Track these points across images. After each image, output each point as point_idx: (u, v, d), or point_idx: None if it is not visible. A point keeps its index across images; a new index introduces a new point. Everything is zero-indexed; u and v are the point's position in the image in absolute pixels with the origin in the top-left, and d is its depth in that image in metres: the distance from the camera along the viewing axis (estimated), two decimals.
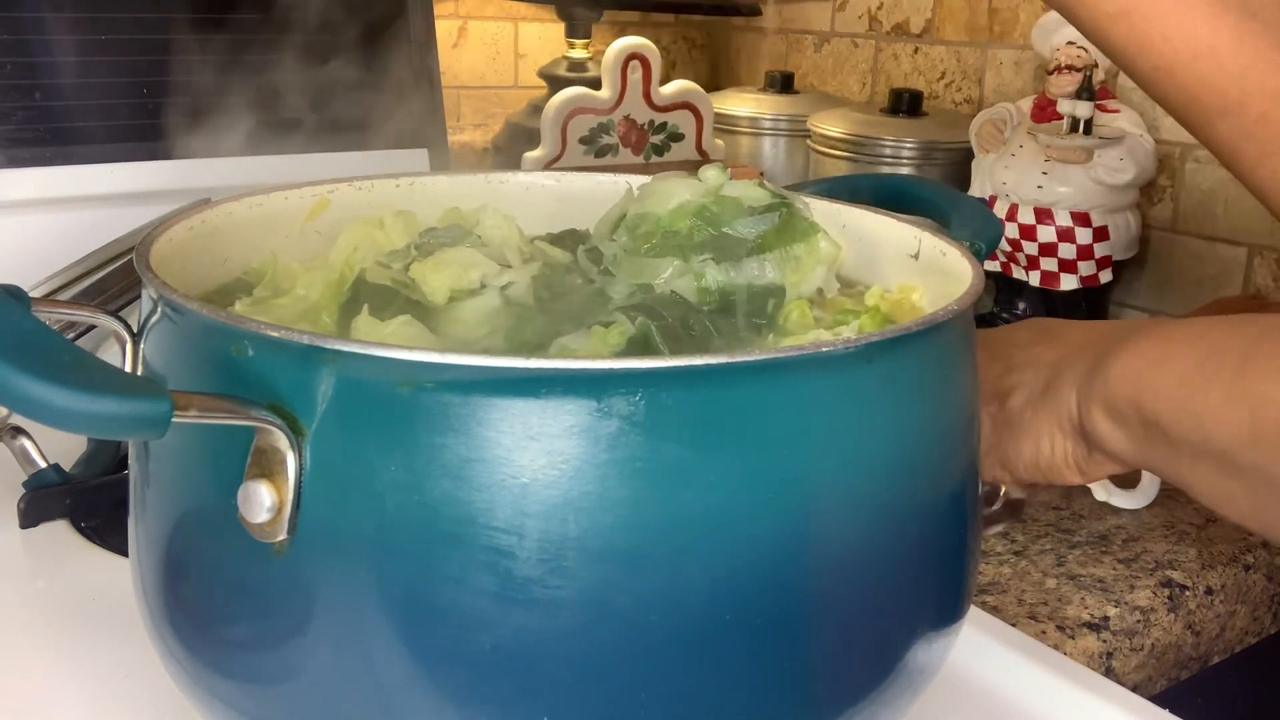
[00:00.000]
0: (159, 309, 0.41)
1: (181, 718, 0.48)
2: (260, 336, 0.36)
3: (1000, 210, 1.08)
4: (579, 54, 1.30)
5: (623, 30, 1.47)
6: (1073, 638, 0.63)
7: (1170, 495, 0.80)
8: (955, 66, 1.32)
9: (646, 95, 1.22)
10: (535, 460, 0.35)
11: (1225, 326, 0.46)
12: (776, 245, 0.50)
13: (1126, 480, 0.80)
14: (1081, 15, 0.51)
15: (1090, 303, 1.10)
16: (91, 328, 0.71)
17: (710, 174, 0.52)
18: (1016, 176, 1.07)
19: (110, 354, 0.43)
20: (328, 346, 0.36)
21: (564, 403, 0.35)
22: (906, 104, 1.23)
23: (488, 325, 0.47)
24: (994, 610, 0.64)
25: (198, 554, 0.41)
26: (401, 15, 1.04)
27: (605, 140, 1.21)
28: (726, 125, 1.36)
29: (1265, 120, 0.49)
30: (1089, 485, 0.78)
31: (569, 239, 0.56)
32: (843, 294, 0.53)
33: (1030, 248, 1.08)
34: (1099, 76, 1.07)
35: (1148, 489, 0.79)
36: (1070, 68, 1.05)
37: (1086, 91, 1.04)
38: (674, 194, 0.51)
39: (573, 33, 1.31)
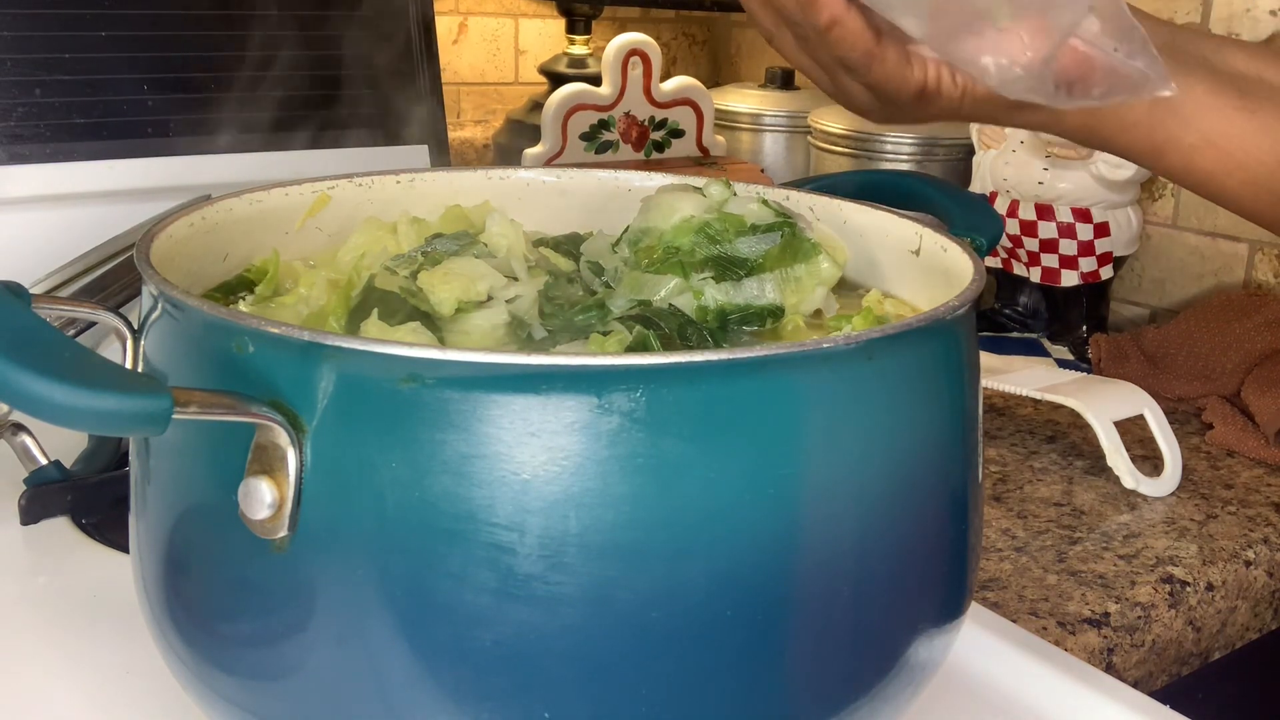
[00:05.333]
0: (159, 306, 0.41)
1: (182, 714, 0.48)
2: (261, 333, 0.36)
3: (1001, 206, 1.08)
4: (579, 50, 1.30)
5: (623, 26, 1.47)
6: (1074, 634, 0.63)
7: (1173, 492, 0.80)
8: None
9: (647, 91, 1.22)
10: (536, 457, 0.35)
11: None
12: (777, 265, 0.50)
13: (1151, 469, 0.81)
14: (1168, 155, 0.56)
15: (1091, 299, 1.10)
16: (92, 324, 0.71)
17: (714, 189, 0.52)
18: (1017, 173, 1.07)
19: (111, 351, 0.43)
20: (328, 343, 0.36)
21: (565, 399, 0.35)
22: None
23: (494, 339, 0.47)
24: (995, 606, 0.64)
25: (198, 550, 0.41)
26: (402, 11, 1.04)
27: (606, 136, 1.21)
28: (727, 121, 1.36)
29: None
30: (1118, 473, 0.79)
31: (571, 244, 0.56)
32: (842, 299, 0.53)
33: (1031, 244, 1.08)
34: None
35: (1171, 476, 0.80)
36: None
37: None
38: (677, 209, 0.51)
39: (573, 29, 1.31)
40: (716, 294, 0.49)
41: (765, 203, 0.52)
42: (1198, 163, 0.56)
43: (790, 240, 0.50)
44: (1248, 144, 0.55)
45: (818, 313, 0.51)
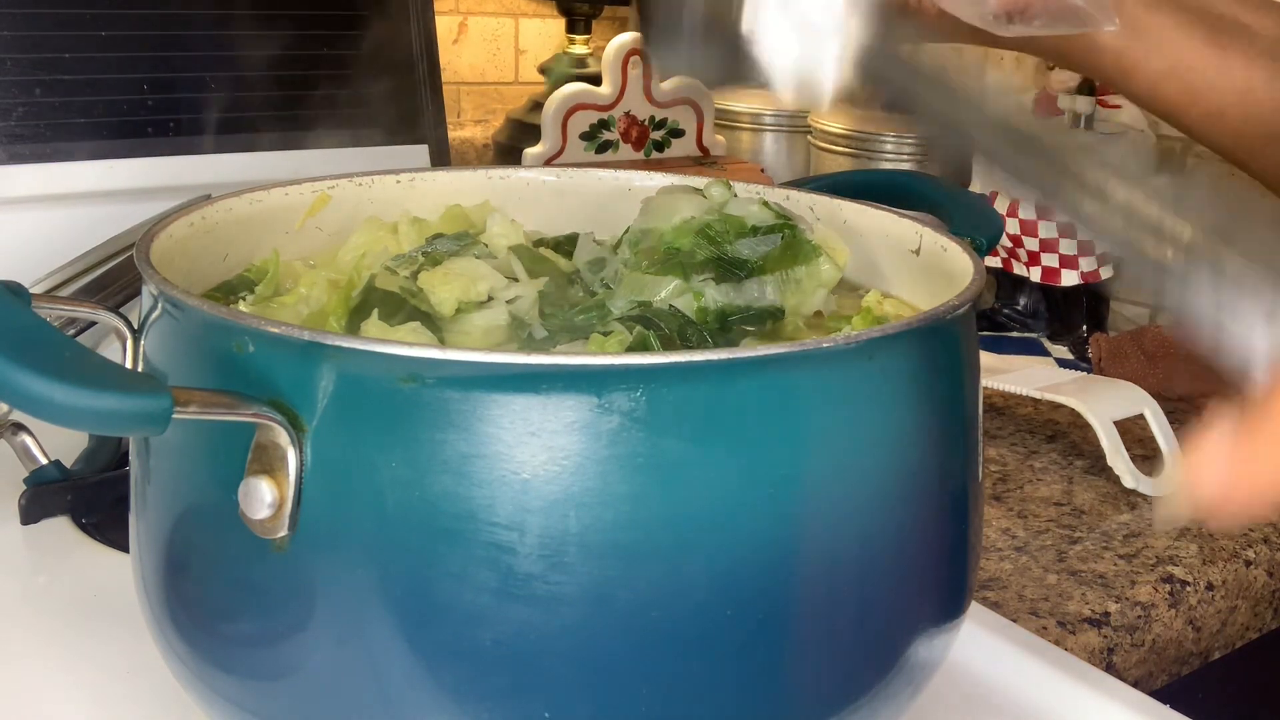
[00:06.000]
0: (159, 305, 0.41)
1: (183, 713, 0.48)
2: (261, 333, 0.36)
3: (1001, 206, 1.08)
4: (579, 50, 1.30)
5: (623, 26, 1.47)
6: (1074, 633, 0.63)
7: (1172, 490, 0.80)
8: (956, 62, 1.31)
9: (647, 91, 1.22)
10: (536, 456, 0.35)
11: None
12: (778, 268, 0.50)
13: (1151, 468, 0.81)
14: (1135, 79, 0.58)
15: (1091, 298, 1.10)
16: (92, 324, 0.71)
17: (715, 191, 0.52)
18: None
19: (111, 350, 0.43)
20: (328, 343, 0.36)
21: (565, 399, 0.35)
22: None
23: (494, 339, 0.47)
24: (995, 606, 0.64)
25: (199, 550, 0.41)
26: (402, 11, 1.04)
27: (606, 136, 1.21)
28: (727, 121, 1.36)
29: None
30: (1118, 473, 0.78)
31: (571, 245, 0.56)
32: (842, 300, 0.53)
33: (1031, 244, 1.08)
34: None
35: (1171, 476, 0.80)
36: None
37: (1087, 87, 1.04)
38: (678, 210, 0.51)
39: (573, 28, 1.31)
40: (717, 295, 0.49)
41: (766, 204, 0.52)
42: (1162, 90, 0.58)
43: (791, 242, 0.50)
44: (1211, 77, 0.57)
45: (818, 314, 0.51)
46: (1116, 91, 0.61)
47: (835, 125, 1.22)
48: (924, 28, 0.59)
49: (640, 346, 0.44)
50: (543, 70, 1.32)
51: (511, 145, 1.25)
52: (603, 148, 1.21)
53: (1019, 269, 1.10)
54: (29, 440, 0.67)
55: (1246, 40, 0.57)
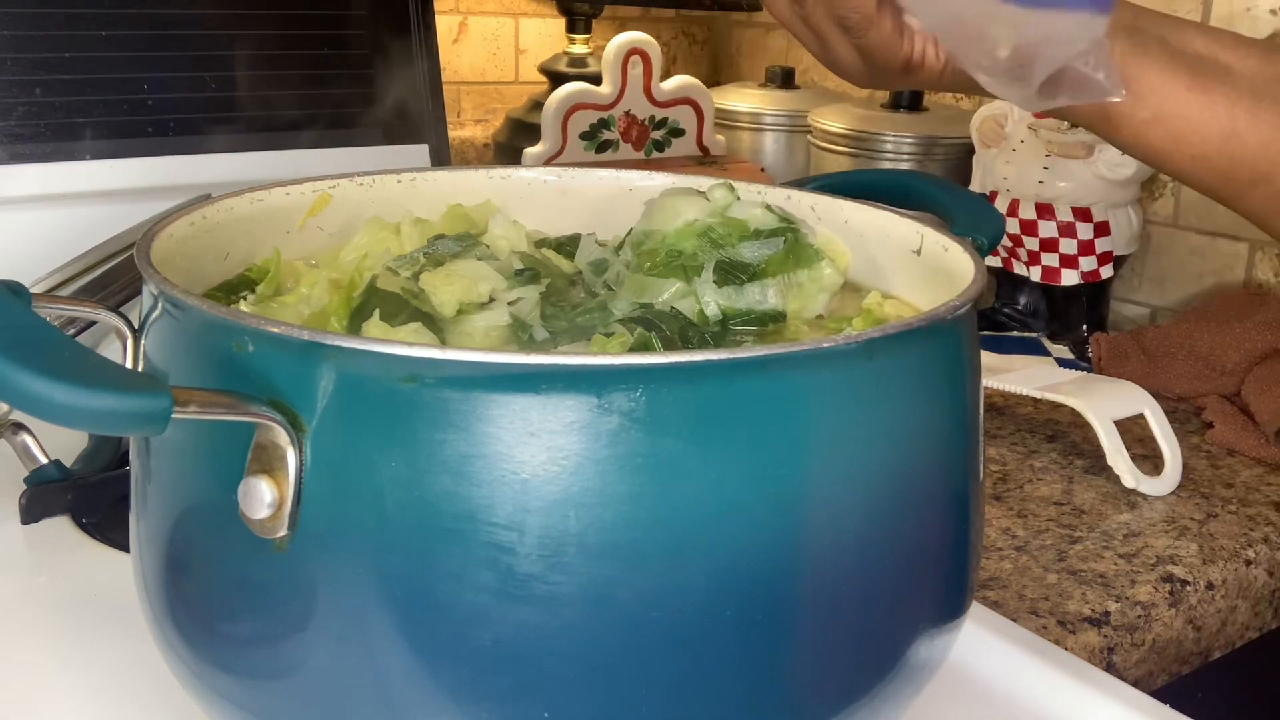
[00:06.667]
0: (160, 305, 0.41)
1: (183, 713, 0.48)
2: (261, 332, 0.36)
3: (1001, 205, 1.08)
4: (579, 49, 1.30)
5: (623, 25, 1.47)
6: (1074, 633, 0.63)
7: (1173, 491, 0.80)
8: None
9: (647, 91, 1.22)
10: (536, 456, 0.35)
11: None
12: (780, 271, 0.50)
13: (1152, 468, 0.81)
14: (1122, 129, 0.59)
15: (1091, 298, 1.10)
16: (92, 323, 0.71)
17: (718, 193, 0.52)
18: (1017, 172, 1.07)
19: (111, 350, 0.43)
20: (328, 343, 0.36)
21: (564, 399, 0.35)
22: (907, 99, 1.22)
23: (495, 340, 0.47)
24: (995, 605, 0.64)
25: (199, 550, 0.41)
26: (402, 11, 1.04)
27: (606, 136, 1.21)
28: (727, 121, 1.36)
29: None
30: (1118, 472, 0.78)
31: (573, 245, 0.56)
32: (842, 300, 0.53)
33: (1031, 243, 1.08)
34: None
35: (1171, 475, 0.80)
36: None
37: None
38: (680, 212, 0.52)
39: (573, 28, 1.31)
40: (719, 298, 0.49)
41: (769, 208, 0.52)
42: (1148, 138, 0.58)
43: (793, 246, 0.50)
44: (1195, 122, 0.57)
45: (819, 316, 0.51)
46: (1101, 137, 0.61)
47: (835, 125, 1.22)
48: (925, 84, 0.60)
49: (642, 348, 0.44)
50: (543, 70, 1.32)
51: (511, 145, 1.25)
52: (603, 147, 1.21)
53: (1019, 268, 1.10)
54: (29, 440, 0.67)
55: (1228, 81, 0.57)
